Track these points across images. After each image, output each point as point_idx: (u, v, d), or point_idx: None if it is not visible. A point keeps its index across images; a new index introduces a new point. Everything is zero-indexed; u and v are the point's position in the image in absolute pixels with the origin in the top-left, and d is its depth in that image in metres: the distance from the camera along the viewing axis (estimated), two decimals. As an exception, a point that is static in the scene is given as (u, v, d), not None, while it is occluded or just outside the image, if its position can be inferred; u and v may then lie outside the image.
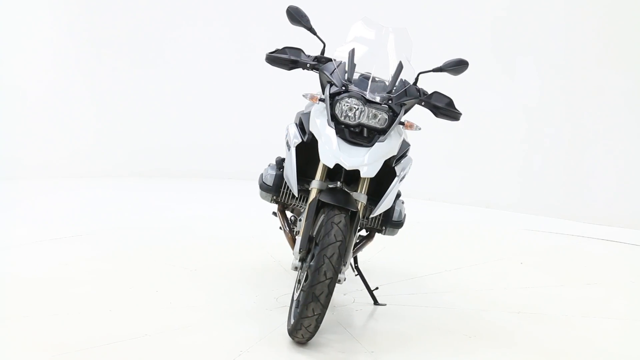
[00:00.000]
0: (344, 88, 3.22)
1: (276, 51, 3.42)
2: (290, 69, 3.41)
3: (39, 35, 7.42)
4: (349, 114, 3.18)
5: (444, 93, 3.41)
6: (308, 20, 3.46)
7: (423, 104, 3.38)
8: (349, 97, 3.18)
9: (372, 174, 3.13)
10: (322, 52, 3.44)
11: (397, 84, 3.31)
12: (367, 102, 3.19)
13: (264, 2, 7.40)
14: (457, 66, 3.40)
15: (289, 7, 3.45)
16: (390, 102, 3.22)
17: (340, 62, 3.34)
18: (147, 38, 7.67)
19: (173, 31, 7.74)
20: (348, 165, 3.10)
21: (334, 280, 2.99)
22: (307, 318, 3.01)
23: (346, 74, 3.28)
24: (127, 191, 6.87)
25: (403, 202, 3.75)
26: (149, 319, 3.45)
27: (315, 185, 3.24)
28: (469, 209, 6.69)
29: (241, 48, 7.70)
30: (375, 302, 3.79)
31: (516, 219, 6.35)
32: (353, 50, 3.33)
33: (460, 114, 3.43)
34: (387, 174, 3.30)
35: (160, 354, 3.06)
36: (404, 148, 3.38)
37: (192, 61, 7.77)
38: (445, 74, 3.47)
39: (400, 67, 3.29)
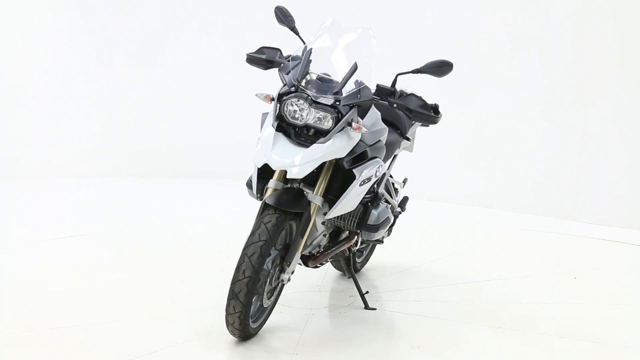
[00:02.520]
0: (293, 88, 3.20)
1: (255, 51, 3.45)
2: (266, 68, 3.42)
3: (39, 35, 7.43)
4: (296, 115, 3.16)
5: (420, 96, 3.33)
6: (292, 21, 3.47)
7: (395, 105, 3.32)
8: (295, 97, 3.16)
9: (300, 175, 3.08)
10: (303, 52, 3.42)
11: (349, 84, 3.23)
12: (314, 102, 3.15)
13: (264, 2, 7.41)
14: (439, 68, 3.30)
15: (276, 8, 3.49)
16: (338, 103, 3.16)
17: (299, 62, 3.30)
18: (147, 38, 7.67)
19: (173, 31, 7.75)
20: (275, 165, 3.10)
21: (253, 279, 3.00)
22: (230, 315, 3.07)
23: (298, 74, 3.23)
24: (127, 191, 6.88)
25: (388, 206, 3.71)
26: (135, 307, 3.63)
27: (271, 184, 3.26)
28: (469, 209, 6.64)
29: (241, 48, 7.68)
30: (366, 307, 3.76)
31: (531, 221, 6.17)
32: (310, 50, 3.29)
33: (437, 117, 3.34)
34: (353, 177, 3.27)
35: (105, 339, 3.22)
36: (359, 150, 3.26)
37: (192, 61, 7.78)
38: (436, 77, 3.37)
39: (354, 68, 3.21)
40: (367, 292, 3.85)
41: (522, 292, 4.18)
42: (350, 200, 3.27)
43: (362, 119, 3.27)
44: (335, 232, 3.68)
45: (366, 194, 3.56)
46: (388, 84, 3.42)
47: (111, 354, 3.07)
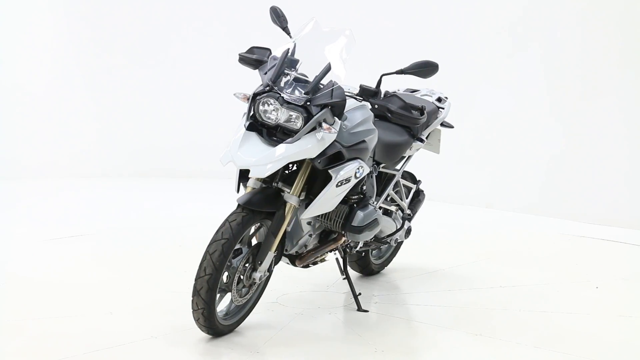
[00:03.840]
0: (267, 88, 3.20)
1: (246, 51, 3.48)
2: (255, 68, 3.42)
3: (39, 35, 7.44)
4: (270, 115, 3.17)
5: (402, 97, 3.31)
6: (284, 21, 3.48)
7: (377, 106, 3.29)
8: (267, 97, 3.17)
9: (263, 175, 3.08)
10: (293, 53, 3.39)
11: (322, 84, 3.22)
12: (286, 102, 3.15)
13: (265, 3, 7.40)
14: (423, 68, 3.28)
15: (270, 8, 3.53)
16: (308, 103, 3.15)
17: (276, 62, 3.29)
18: (147, 38, 7.68)
19: (173, 31, 7.75)
20: (238, 163, 3.12)
21: (214, 276, 3.01)
22: (195, 312, 3.10)
23: (273, 74, 3.23)
24: (127, 191, 6.89)
25: (377, 209, 3.66)
26: (131, 302, 3.69)
27: (249, 183, 3.28)
28: (469, 209, 6.61)
29: (241, 48, 7.68)
30: (359, 308, 3.72)
31: (532, 221, 6.08)
32: (287, 50, 3.28)
33: (418, 118, 3.31)
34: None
35: (86, 330, 3.28)
36: (331, 150, 3.20)
37: (191, 61, 7.78)
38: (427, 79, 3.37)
39: (327, 69, 3.20)
40: (359, 294, 3.79)
41: (530, 300, 4.01)
42: (327, 200, 3.25)
43: (341, 119, 3.24)
44: (326, 233, 3.65)
45: (354, 195, 3.52)
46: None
47: (81, 344, 3.10)
